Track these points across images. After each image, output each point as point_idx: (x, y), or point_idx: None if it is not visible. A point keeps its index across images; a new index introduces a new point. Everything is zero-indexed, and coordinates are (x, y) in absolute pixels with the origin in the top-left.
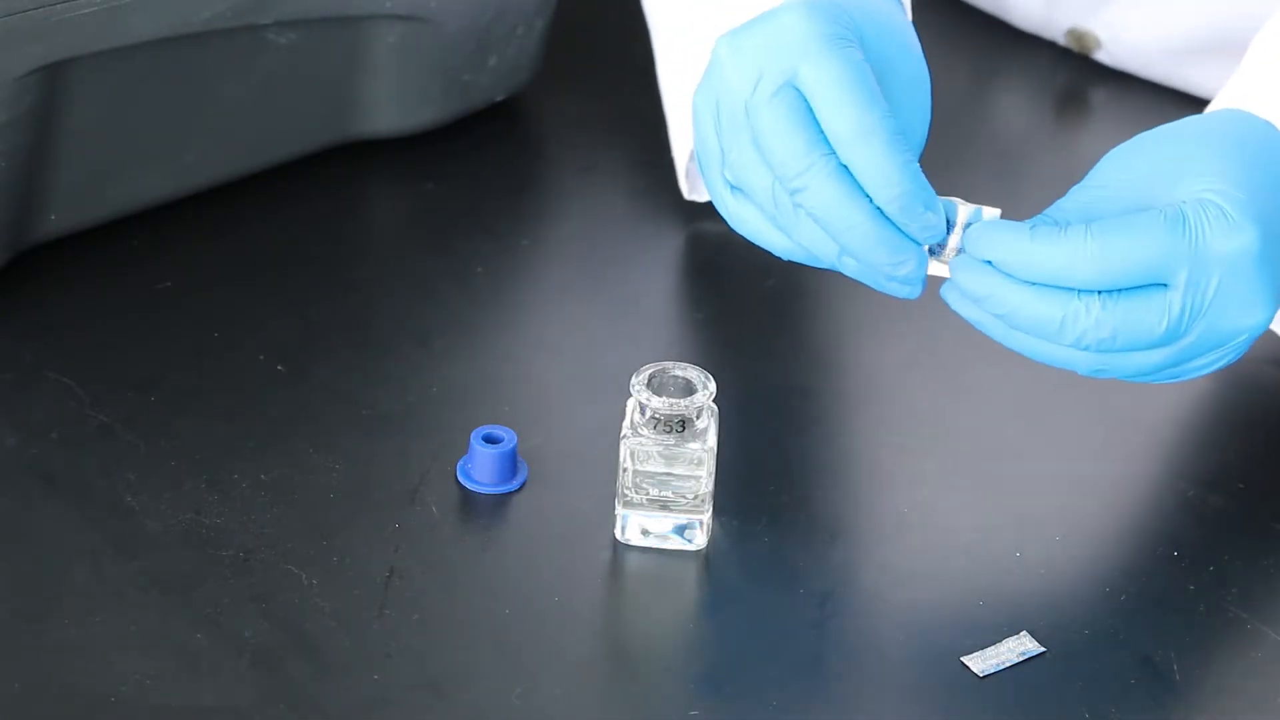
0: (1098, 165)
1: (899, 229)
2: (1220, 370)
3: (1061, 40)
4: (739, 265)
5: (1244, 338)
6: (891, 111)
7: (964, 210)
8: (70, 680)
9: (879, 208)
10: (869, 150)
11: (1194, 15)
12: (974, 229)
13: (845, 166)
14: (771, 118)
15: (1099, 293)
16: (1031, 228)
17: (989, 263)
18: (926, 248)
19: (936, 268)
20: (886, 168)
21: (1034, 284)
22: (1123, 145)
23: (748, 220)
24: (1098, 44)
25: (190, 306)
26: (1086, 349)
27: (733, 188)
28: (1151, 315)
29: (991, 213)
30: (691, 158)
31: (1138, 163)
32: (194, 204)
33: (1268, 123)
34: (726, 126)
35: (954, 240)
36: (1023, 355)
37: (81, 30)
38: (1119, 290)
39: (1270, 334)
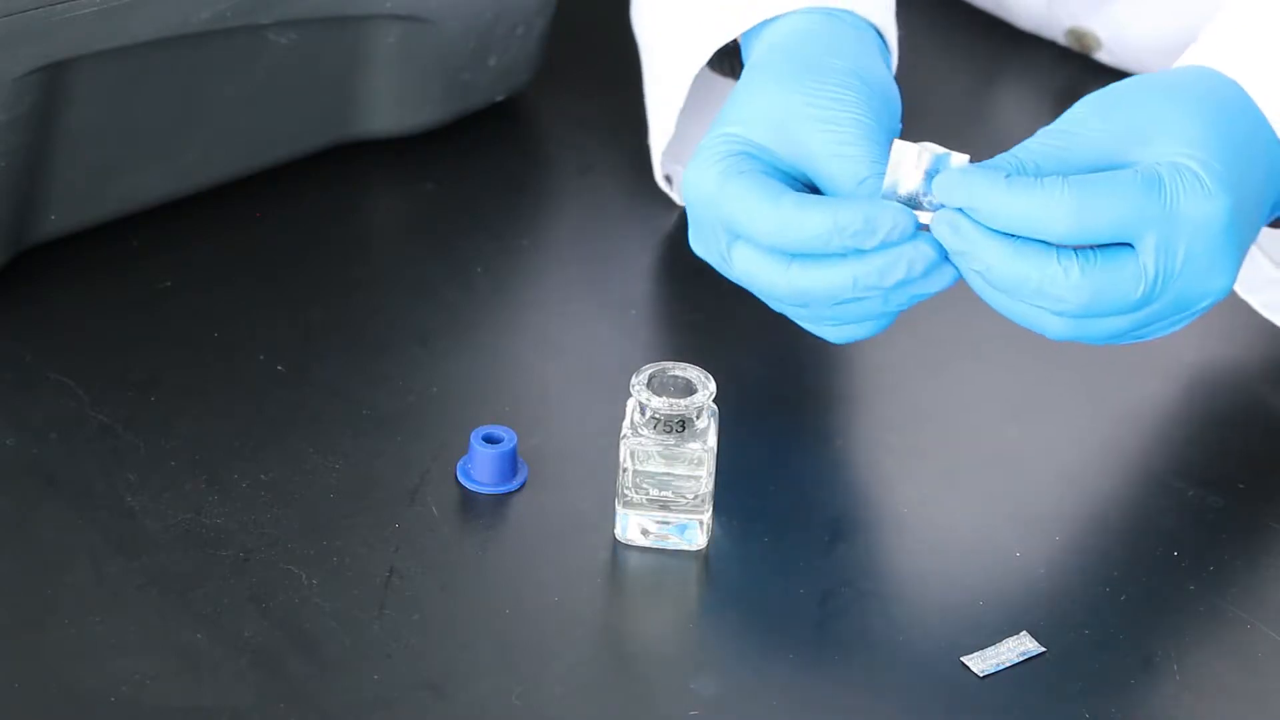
0: (1072, 109)
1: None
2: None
3: (1062, 40)
4: None
5: (1207, 302)
6: (800, 197)
7: (927, 155)
8: (70, 680)
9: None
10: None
11: (1194, 15)
12: (946, 175)
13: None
14: (739, 266)
15: (1077, 253)
16: (1007, 176)
17: (964, 212)
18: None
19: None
20: (820, 230)
21: (1012, 239)
22: (1099, 93)
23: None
24: (1098, 44)
25: (190, 306)
26: (1063, 314)
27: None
28: (1128, 280)
29: (960, 158)
30: (675, 161)
31: (1115, 114)
32: (194, 204)
33: (1238, 84)
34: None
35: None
36: (1002, 315)
37: (81, 30)
38: (1095, 252)
39: (1270, 333)
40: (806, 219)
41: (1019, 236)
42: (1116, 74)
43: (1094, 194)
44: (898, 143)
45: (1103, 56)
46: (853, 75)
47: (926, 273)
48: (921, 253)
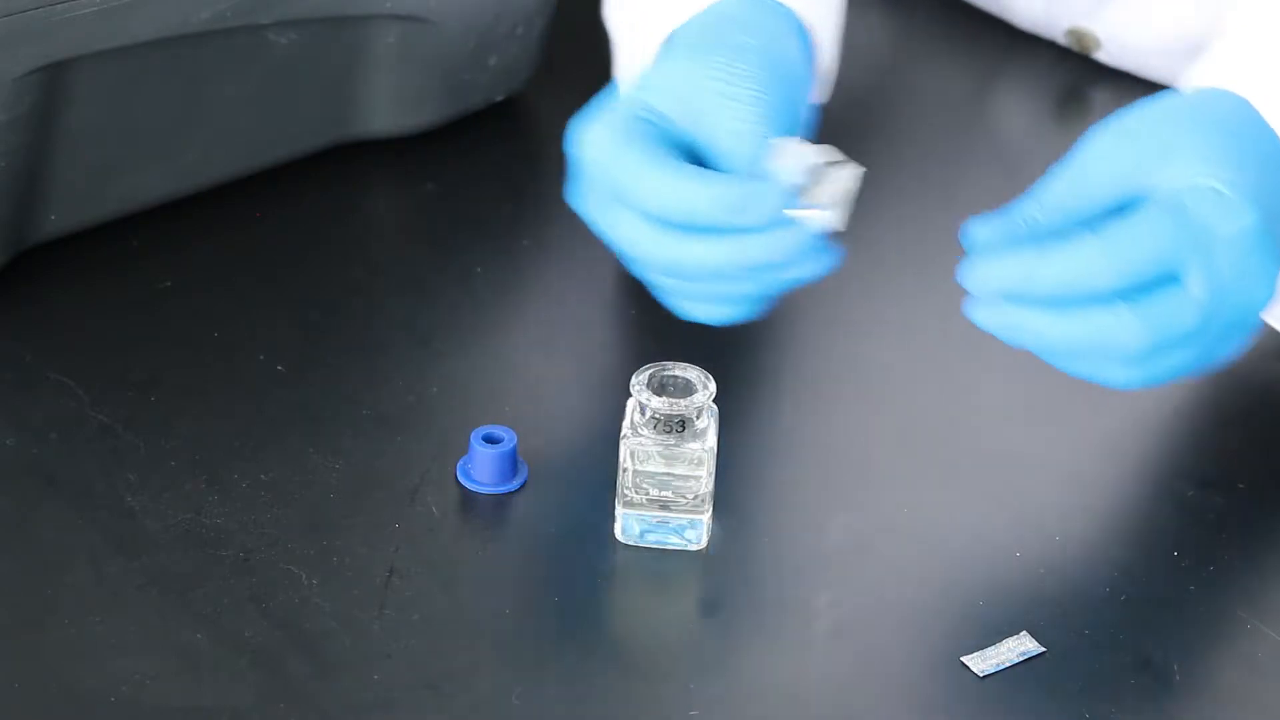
0: (1080, 148)
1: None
2: (1230, 362)
3: (1062, 40)
4: None
5: (1257, 313)
6: (686, 167)
7: (807, 152)
8: (70, 680)
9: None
10: (676, 202)
11: (1193, 18)
12: (975, 265)
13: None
14: (605, 227)
15: (1123, 299)
16: (1039, 247)
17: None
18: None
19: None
20: (697, 200)
21: (1057, 303)
22: (1108, 123)
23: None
24: (1097, 44)
25: (190, 306)
26: (1128, 362)
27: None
28: (1181, 310)
29: (846, 171)
30: None
31: (1127, 143)
32: (194, 204)
33: (1245, 100)
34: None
35: (813, 189)
36: (1074, 376)
37: (81, 30)
38: (1141, 292)
39: (1269, 331)
40: (686, 189)
41: (1064, 298)
42: (1116, 74)
43: (1126, 239)
44: (777, 140)
45: (1102, 57)
46: (762, 54)
47: (795, 260)
48: (790, 239)
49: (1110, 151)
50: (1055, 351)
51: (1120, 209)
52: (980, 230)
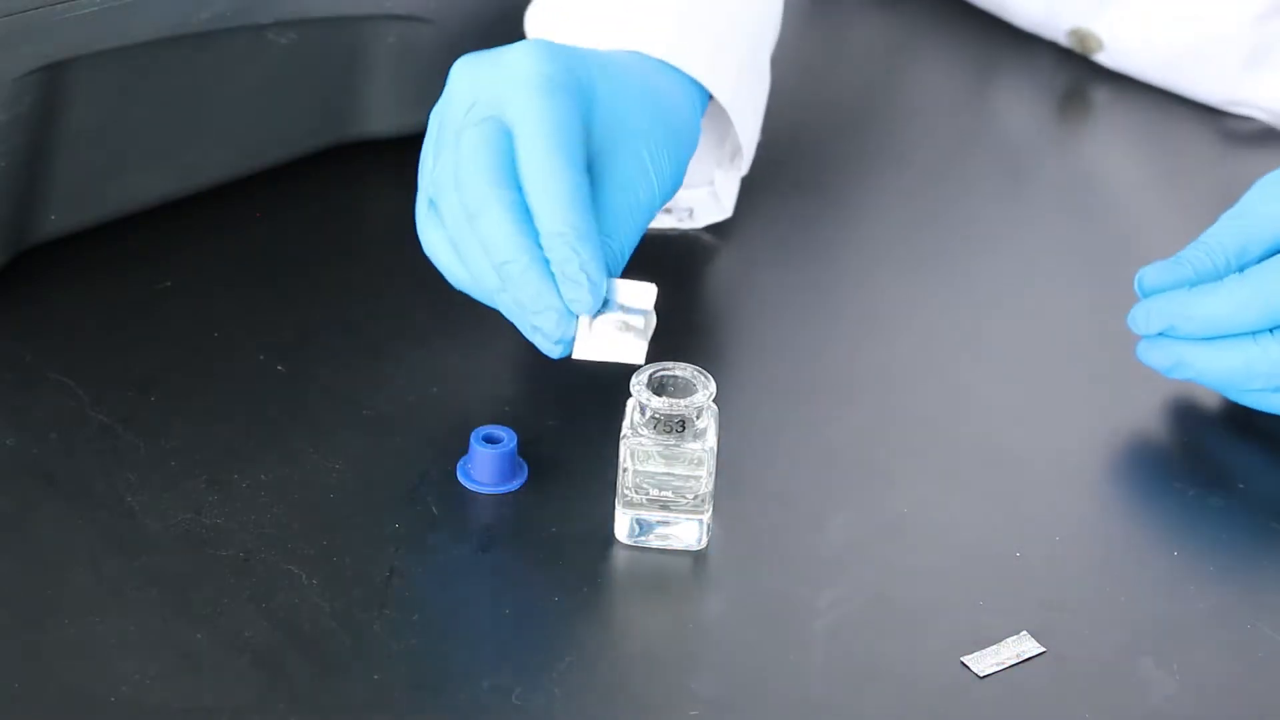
0: (1249, 192)
1: (555, 285)
2: None
3: (1064, 40)
4: (738, 265)
5: None
6: (579, 164)
7: (623, 288)
8: (70, 680)
9: (546, 260)
10: (545, 187)
11: (1196, 20)
12: (1142, 308)
13: (526, 208)
14: (471, 144)
15: (1271, 331)
16: (1190, 286)
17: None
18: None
19: (596, 338)
20: (555, 205)
21: (1213, 340)
22: (1269, 175)
23: (433, 242)
24: (1100, 45)
25: (190, 306)
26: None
27: (431, 203)
28: None
29: (644, 293)
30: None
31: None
32: (194, 204)
33: None
34: (439, 143)
35: (613, 315)
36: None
37: (81, 30)
38: None
39: None
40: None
41: (1222, 335)
42: (1117, 76)
43: (1268, 279)
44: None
45: (1103, 59)
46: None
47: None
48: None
49: (1271, 194)
50: (1215, 384)
51: None
52: (1150, 275)
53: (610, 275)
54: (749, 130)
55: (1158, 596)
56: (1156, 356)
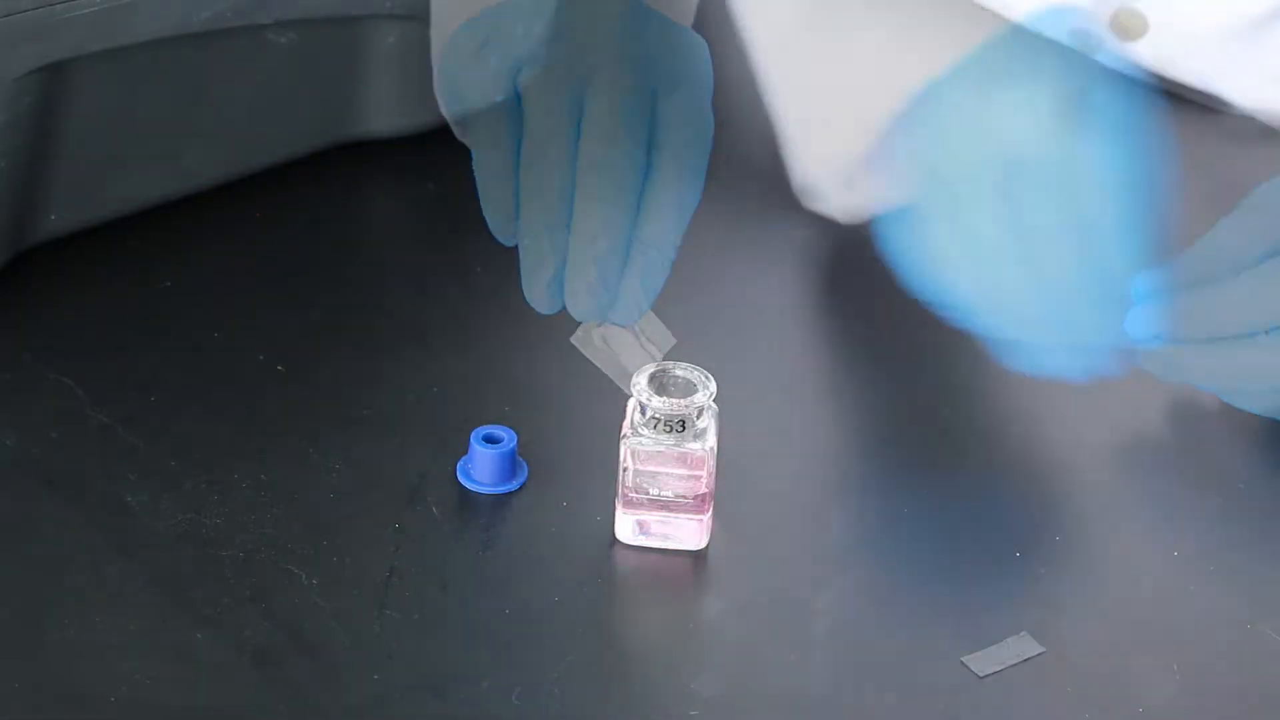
0: (1246, 198)
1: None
2: None
3: (1104, 25)
4: (739, 265)
5: None
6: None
7: (650, 322)
8: (70, 680)
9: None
10: (667, 201)
11: (1250, 2)
12: (1138, 314)
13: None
14: (627, 107)
15: (1268, 333)
16: (1190, 293)
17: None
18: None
19: (599, 338)
20: (669, 222)
21: (1217, 342)
22: (1270, 182)
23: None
24: (1145, 28)
25: (190, 306)
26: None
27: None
28: None
29: (662, 339)
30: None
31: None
32: (194, 204)
33: None
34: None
35: (628, 332)
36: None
37: (81, 30)
38: None
39: None
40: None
41: (1219, 338)
42: (1121, 79)
43: (1265, 282)
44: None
45: (1141, 48)
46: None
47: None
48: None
49: (1271, 200)
50: (1214, 386)
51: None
52: (1146, 280)
53: (661, 280)
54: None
55: (1158, 596)
56: (1153, 361)
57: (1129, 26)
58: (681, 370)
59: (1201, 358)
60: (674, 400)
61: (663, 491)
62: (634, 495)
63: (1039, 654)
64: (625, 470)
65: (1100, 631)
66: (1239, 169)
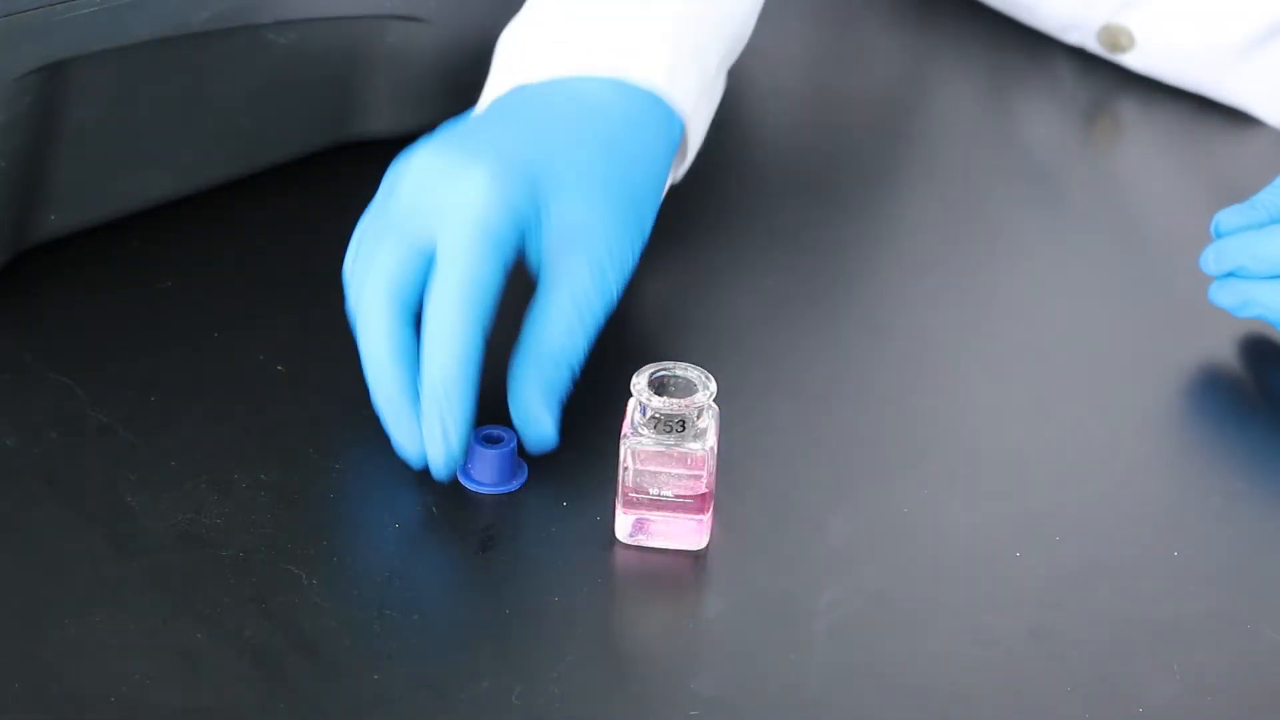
0: None
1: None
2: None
3: (1091, 42)
4: (739, 265)
5: None
6: (481, 326)
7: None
8: (70, 680)
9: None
10: (440, 338)
11: (1238, 15)
12: (1214, 249)
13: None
14: (387, 258)
15: None
16: (1261, 229)
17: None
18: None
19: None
20: (444, 361)
21: (1277, 278)
22: None
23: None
24: (1131, 42)
25: (190, 306)
26: None
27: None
28: None
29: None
30: None
31: None
32: (194, 204)
33: None
34: (372, 223)
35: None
36: None
37: (81, 30)
38: None
39: (1269, 332)
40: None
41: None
42: (1142, 83)
43: None
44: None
45: (1131, 59)
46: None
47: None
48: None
49: None
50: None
51: None
52: (1225, 218)
53: (559, 400)
54: (695, 149)
55: (1157, 596)
56: (1225, 296)
57: (1116, 39)
58: (682, 370)
59: (1272, 293)
60: (674, 400)
61: (663, 491)
62: (634, 495)
63: (1039, 654)
64: (625, 470)
65: (1100, 631)
66: (1262, 173)
